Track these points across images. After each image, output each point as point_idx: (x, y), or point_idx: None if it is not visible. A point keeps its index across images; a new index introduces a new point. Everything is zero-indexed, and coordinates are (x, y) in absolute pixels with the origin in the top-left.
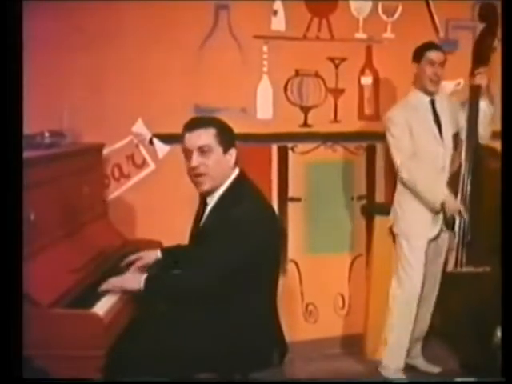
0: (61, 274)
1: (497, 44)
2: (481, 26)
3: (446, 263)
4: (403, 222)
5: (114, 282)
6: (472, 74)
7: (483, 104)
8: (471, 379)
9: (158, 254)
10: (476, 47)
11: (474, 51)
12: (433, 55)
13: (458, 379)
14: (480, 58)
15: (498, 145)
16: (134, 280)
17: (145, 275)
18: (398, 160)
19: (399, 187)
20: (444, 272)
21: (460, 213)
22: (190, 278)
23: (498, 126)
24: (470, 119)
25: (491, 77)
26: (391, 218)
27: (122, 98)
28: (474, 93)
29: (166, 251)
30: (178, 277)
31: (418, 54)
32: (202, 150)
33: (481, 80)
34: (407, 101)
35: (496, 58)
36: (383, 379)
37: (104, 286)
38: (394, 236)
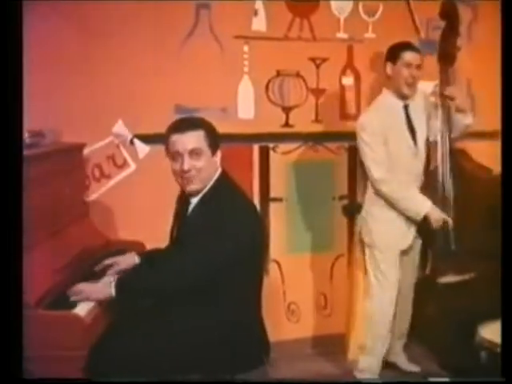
0: (43, 275)
1: (460, 43)
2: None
3: (424, 267)
4: (375, 232)
5: (83, 290)
6: (441, 81)
7: (459, 116)
8: (463, 379)
9: (136, 258)
10: (440, 47)
11: (439, 51)
12: (409, 56)
13: (457, 379)
14: (445, 57)
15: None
16: (103, 289)
17: (114, 282)
18: (375, 173)
19: (370, 197)
20: (425, 275)
21: (445, 223)
22: (172, 278)
23: (483, 127)
24: (442, 124)
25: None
26: (359, 225)
27: (103, 98)
28: (445, 100)
29: (144, 255)
30: (157, 277)
31: (393, 54)
32: (194, 153)
33: (448, 92)
34: (380, 105)
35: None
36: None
37: (73, 296)
38: (362, 243)
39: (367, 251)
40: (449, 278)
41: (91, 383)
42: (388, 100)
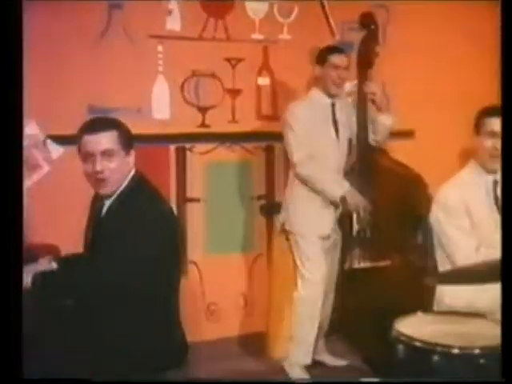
0: None
1: (379, 49)
2: None
3: (343, 260)
4: (296, 219)
5: None
6: (359, 82)
7: (381, 118)
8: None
9: (53, 264)
10: (359, 53)
11: (358, 57)
12: (337, 59)
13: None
14: (364, 62)
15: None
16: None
17: (31, 273)
18: (296, 156)
19: (292, 184)
20: (344, 268)
21: (361, 207)
22: (87, 281)
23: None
24: (359, 123)
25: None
26: (282, 215)
27: None
28: (362, 98)
29: (61, 260)
30: (73, 280)
31: (322, 57)
32: (106, 154)
33: (368, 88)
34: (310, 100)
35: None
36: (288, 378)
37: None
38: (286, 234)
39: (292, 240)
40: (364, 264)
41: (91, 383)
42: (317, 96)
